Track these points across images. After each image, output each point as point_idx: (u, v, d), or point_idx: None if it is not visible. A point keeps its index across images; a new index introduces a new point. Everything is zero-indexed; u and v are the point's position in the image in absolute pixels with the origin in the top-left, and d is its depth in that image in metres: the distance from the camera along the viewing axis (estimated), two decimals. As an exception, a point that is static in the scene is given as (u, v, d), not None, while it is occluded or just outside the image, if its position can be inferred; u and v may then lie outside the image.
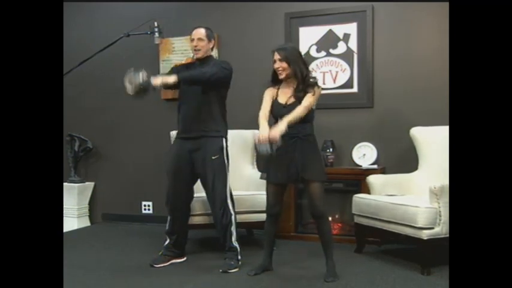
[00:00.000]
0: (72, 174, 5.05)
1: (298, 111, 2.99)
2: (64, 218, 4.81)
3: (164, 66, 4.80)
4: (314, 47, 4.40)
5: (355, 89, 4.30)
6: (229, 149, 3.48)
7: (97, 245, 4.17)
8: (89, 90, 5.17)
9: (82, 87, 5.14)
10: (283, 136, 2.90)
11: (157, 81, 3.21)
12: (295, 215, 4.19)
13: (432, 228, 3.12)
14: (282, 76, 3.09)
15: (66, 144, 5.04)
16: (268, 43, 4.52)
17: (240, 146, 4.09)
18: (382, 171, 4.05)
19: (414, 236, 3.18)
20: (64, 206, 4.80)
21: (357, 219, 3.70)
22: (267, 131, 2.90)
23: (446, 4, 2.67)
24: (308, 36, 4.41)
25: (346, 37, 4.30)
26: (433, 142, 3.80)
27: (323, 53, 4.38)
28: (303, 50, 4.41)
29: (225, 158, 3.42)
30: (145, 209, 5.04)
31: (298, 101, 3.05)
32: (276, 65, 3.10)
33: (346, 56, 4.31)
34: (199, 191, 3.63)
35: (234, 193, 3.47)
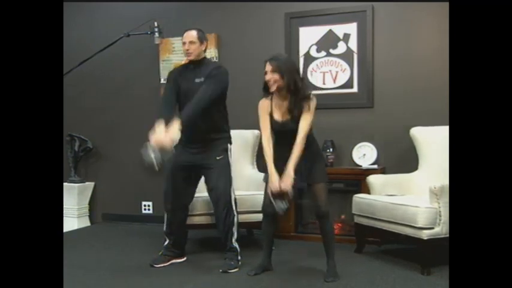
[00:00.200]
0: (72, 174, 5.05)
1: (299, 147, 2.95)
2: (64, 218, 4.81)
3: (164, 66, 4.80)
4: (314, 47, 4.40)
5: (355, 89, 4.30)
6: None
7: (97, 245, 4.17)
8: (89, 90, 5.17)
9: (82, 87, 5.14)
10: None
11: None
12: (295, 215, 4.19)
13: (432, 228, 3.12)
14: (272, 88, 2.98)
15: (66, 144, 5.04)
16: (268, 43, 4.54)
17: (240, 146, 4.09)
18: (382, 171, 4.05)
19: (414, 236, 3.18)
20: (64, 206, 4.80)
21: (357, 219, 3.70)
22: (277, 184, 2.92)
23: (446, 4, 2.67)
24: (308, 36, 4.41)
25: (346, 37, 4.30)
26: (433, 142, 3.80)
27: (323, 53, 4.38)
28: (303, 50, 4.42)
29: (230, 160, 3.44)
30: (145, 209, 5.04)
31: (293, 118, 2.99)
32: (267, 77, 2.98)
33: (346, 56, 4.31)
34: (199, 191, 3.63)
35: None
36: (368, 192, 3.75)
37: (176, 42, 4.76)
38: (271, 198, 2.97)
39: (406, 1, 4.11)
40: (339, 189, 4.00)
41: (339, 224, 4.17)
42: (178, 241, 3.53)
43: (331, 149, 4.19)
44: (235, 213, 3.38)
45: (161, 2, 4.84)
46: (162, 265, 3.43)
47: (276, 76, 2.95)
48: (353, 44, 4.28)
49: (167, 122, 3.09)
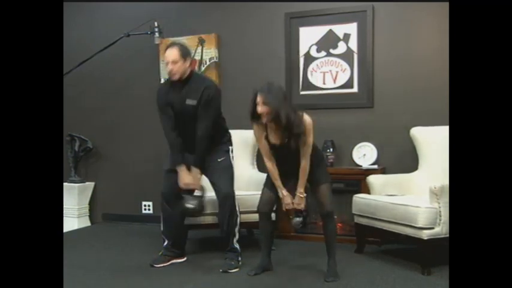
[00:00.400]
0: (72, 174, 5.05)
1: (305, 171, 3.02)
2: (64, 218, 4.81)
3: (164, 66, 4.78)
4: (314, 47, 4.40)
5: (355, 89, 4.30)
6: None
7: (97, 245, 4.17)
8: (89, 90, 5.17)
9: (82, 87, 5.14)
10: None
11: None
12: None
13: (432, 228, 3.12)
14: (264, 120, 2.96)
15: (67, 144, 5.04)
16: (268, 43, 4.55)
17: (240, 146, 4.08)
18: (382, 171, 4.04)
19: (414, 236, 3.18)
20: (64, 206, 4.80)
21: (357, 219, 3.70)
22: (290, 203, 3.10)
23: (446, 4, 2.67)
24: (308, 36, 4.40)
25: (346, 37, 4.30)
26: (433, 142, 3.80)
27: (323, 53, 4.38)
28: (303, 50, 4.42)
29: (231, 160, 3.46)
30: (145, 209, 5.04)
31: (289, 140, 2.97)
32: (259, 109, 2.92)
33: (346, 56, 4.31)
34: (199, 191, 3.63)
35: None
36: (368, 192, 3.75)
37: (176, 42, 4.76)
38: (290, 217, 3.22)
39: (406, 1, 4.11)
40: (339, 189, 4.00)
41: (339, 224, 4.16)
42: (178, 241, 3.53)
43: (331, 149, 4.19)
44: (238, 214, 3.39)
45: (161, 2, 4.84)
46: (162, 265, 3.43)
47: (268, 109, 2.90)
48: (353, 44, 4.28)
49: (183, 156, 3.32)
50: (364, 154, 4.15)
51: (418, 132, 3.91)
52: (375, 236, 3.81)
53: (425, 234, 3.12)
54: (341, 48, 4.32)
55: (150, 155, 4.86)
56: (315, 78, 4.41)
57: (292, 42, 4.44)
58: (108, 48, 4.59)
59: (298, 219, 3.17)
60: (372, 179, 3.75)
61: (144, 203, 5.03)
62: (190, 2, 4.77)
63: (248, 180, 3.99)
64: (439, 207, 3.12)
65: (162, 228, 3.55)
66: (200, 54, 4.71)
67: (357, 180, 3.99)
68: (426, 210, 3.12)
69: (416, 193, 3.65)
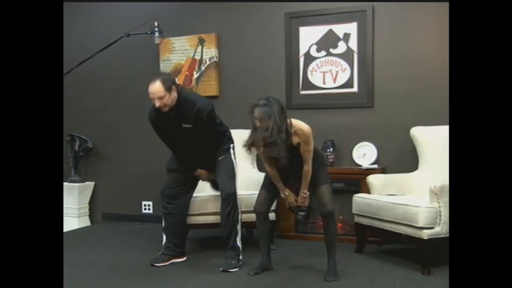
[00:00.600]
0: (72, 174, 5.05)
1: (308, 175, 3.05)
2: (64, 217, 4.81)
3: (164, 66, 4.80)
4: (314, 47, 4.40)
5: (355, 89, 4.30)
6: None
7: (97, 245, 4.17)
8: (89, 90, 5.17)
9: (82, 87, 5.14)
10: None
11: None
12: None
13: (432, 228, 3.12)
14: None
15: (67, 144, 5.04)
16: (268, 43, 4.55)
17: (240, 146, 4.08)
18: (382, 171, 4.04)
19: (414, 235, 3.18)
20: (64, 206, 4.80)
21: (357, 219, 3.70)
22: (294, 201, 3.17)
23: (446, 4, 2.67)
24: (308, 36, 4.40)
25: (346, 37, 4.30)
26: (433, 142, 3.80)
27: (323, 53, 4.38)
28: (303, 49, 4.42)
29: (233, 158, 3.51)
30: (145, 209, 5.04)
31: (288, 151, 2.96)
32: (257, 123, 2.92)
33: (346, 56, 4.31)
34: (199, 191, 3.63)
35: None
36: (368, 192, 3.75)
37: (176, 42, 4.77)
38: (294, 212, 3.25)
39: (406, 1, 4.11)
40: (339, 189, 4.00)
41: (339, 224, 4.17)
42: (178, 240, 3.53)
43: (331, 149, 4.19)
44: (240, 211, 3.41)
45: (161, 2, 4.84)
46: (162, 264, 3.43)
47: (266, 124, 2.88)
48: (353, 43, 4.28)
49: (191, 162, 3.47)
50: (364, 154, 4.15)
51: (418, 132, 3.91)
52: (375, 236, 3.81)
53: (425, 234, 3.12)
54: (341, 48, 4.32)
55: (150, 155, 4.86)
56: (315, 78, 4.41)
57: (292, 42, 4.44)
58: (108, 48, 4.59)
59: (302, 213, 3.22)
60: (372, 178, 3.74)
61: (144, 202, 5.03)
62: (190, 2, 4.77)
63: (248, 180, 3.98)
64: (439, 207, 3.12)
65: (163, 224, 3.57)
66: (200, 54, 4.71)
67: (357, 180, 3.99)
68: (426, 210, 3.12)
69: (416, 193, 3.65)
